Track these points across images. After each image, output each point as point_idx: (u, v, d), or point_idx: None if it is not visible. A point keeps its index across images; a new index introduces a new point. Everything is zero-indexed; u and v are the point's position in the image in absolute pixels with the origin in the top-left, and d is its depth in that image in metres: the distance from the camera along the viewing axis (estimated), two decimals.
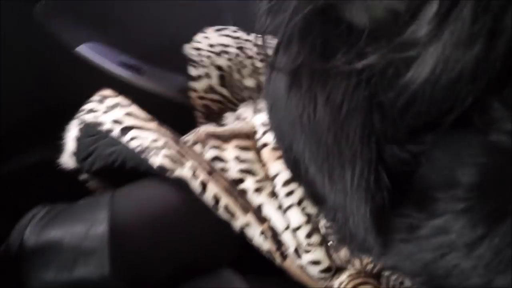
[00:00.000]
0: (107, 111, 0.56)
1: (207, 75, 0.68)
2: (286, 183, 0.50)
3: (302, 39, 0.41)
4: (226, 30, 0.72)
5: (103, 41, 0.88)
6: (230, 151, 0.53)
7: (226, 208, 0.50)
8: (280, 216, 0.50)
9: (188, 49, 0.70)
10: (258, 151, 0.54)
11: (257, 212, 0.50)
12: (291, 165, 0.45)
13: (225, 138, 0.55)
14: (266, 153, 0.53)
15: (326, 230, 0.49)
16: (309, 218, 0.49)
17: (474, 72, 0.32)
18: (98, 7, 0.92)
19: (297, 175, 0.45)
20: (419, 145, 0.38)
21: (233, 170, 0.52)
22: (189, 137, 0.58)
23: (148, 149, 0.52)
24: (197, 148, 0.55)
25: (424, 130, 0.37)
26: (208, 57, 0.69)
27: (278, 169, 0.51)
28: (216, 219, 0.50)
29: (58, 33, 0.82)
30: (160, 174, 0.51)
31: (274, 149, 0.52)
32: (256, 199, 0.51)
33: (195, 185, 0.50)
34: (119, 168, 0.54)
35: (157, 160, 0.51)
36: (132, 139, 0.53)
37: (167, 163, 0.50)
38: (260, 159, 0.53)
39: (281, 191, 0.50)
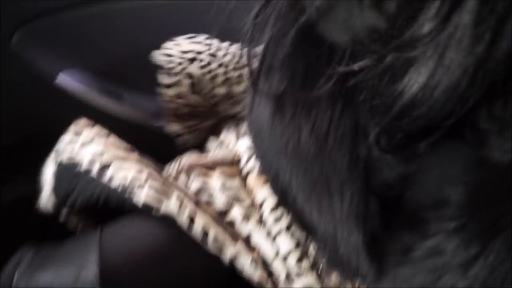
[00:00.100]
0: (84, 145, 0.55)
1: (179, 83, 0.68)
2: (274, 208, 0.50)
3: (283, 66, 0.41)
4: (197, 37, 0.72)
5: (81, 68, 0.88)
6: (215, 179, 0.53)
7: (215, 239, 0.49)
8: (270, 244, 0.49)
9: (159, 56, 0.69)
10: (243, 178, 0.53)
11: (247, 241, 0.50)
12: (279, 194, 0.45)
13: (210, 166, 0.54)
14: (251, 179, 0.53)
15: (317, 254, 0.49)
16: (299, 243, 0.49)
17: (475, 76, 0.32)
18: (74, 33, 0.92)
19: (285, 204, 0.44)
20: (410, 161, 0.38)
21: (220, 200, 0.51)
22: (173, 166, 0.57)
23: (130, 187, 0.50)
24: (182, 178, 0.54)
25: (418, 139, 0.37)
26: (180, 64, 0.68)
27: (265, 195, 0.51)
28: (205, 253, 0.49)
29: (35, 62, 0.81)
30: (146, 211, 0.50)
31: (260, 175, 0.52)
32: (244, 228, 0.50)
33: (182, 220, 0.49)
34: (103, 207, 0.53)
35: (141, 198, 0.49)
36: (112, 178, 0.51)
37: (151, 200, 0.49)
38: (245, 186, 0.53)
39: (269, 217, 0.50)
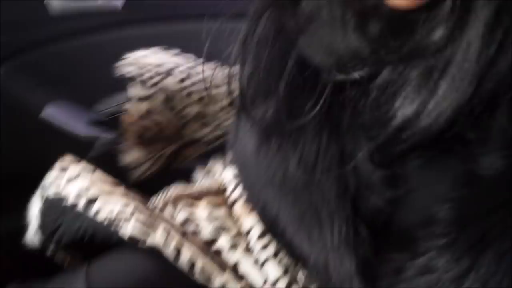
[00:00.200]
0: (70, 180, 0.55)
1: (154, 96, 0.62)
2: (261, 236, 0.50)
3: (268, 93, 0.42)
4: (171, 51, 0.69)
5: (68, 100, 0.88)
6: (201, 210, 0.53)
7: (203, 270, 0.49)
8: (258, 272, 0.49)
9: (128, 67, 0.64)
10: (229, 206, 0.54)
11: (234, 270, 0.50)
12: (267, 225, 0.45)
13: (196, 196, 0.55)
14: (238, 208, 0.53)
15: (306, 280, 0.49)
16: (287, 269, 0.49)
17: (475, 94, 0.32)
18: (60, 66, 0.92)
19: (275, 235, 0.45)
20: (397, 185, 0.39)
21: (206, 230, 0.51)
22: (159, 198, 0.57)
23: (116, 220, 0.50)
24: (168, 209, 0.54)
25: (408, 156, 0.38)
26: (157, 75, 0.63)
27: (252, 223, 0.51)
28: (193, 283, 0.49)
29: (21, 95, 0.82)
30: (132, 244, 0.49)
31: (246, 203, 0.52)
32: (232, 257, 0.50)
33: (169, 252, 0.49)
34: (89, 241, 0.52)
35: (127, 231, 0.49)
36: (98, 211, 0.51)
37: (137, 233, 0.49)
38: (232, 215, 0.53)
39: (256, 245, 0.50)
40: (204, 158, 0.62)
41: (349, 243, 0.38)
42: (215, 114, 0.65)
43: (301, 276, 0.49)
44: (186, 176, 0.61)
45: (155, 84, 0.62)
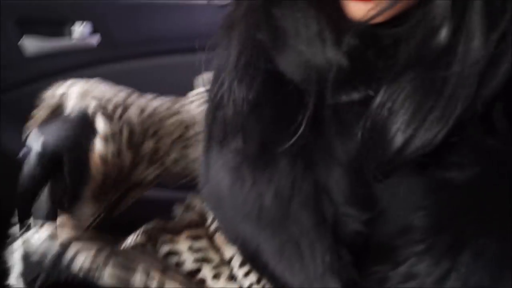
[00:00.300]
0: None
1: (120, 133, 0.53)
2: (243, 263, 0.50)
3: (239, 129, 0.42)
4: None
5: None
6: (182, 243, 0.53)
7: None
8: None
9: (82, 100, 0.53)
10: (210, 237, 0.54)
11: None
12: (249, 259, 0.45)
13: (176, 230, 0.54)
14: (218, 238, 0.53)
15: None
16: None
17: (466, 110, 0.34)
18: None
19: (257, 268, 0.44)
20: (372, 207, 0.39)
21: (189, 261, 0.52)
22: (139, 235, 0.57)
23: (92, 269, 0.47)
24: (148, 247, 0.54)
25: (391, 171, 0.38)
26: (116, 108, 0.54)
27: (233, 252, 0.51)
28: None
29: (3, 141, 0.81)
30: None
31: (225, 238, 0.52)
32: (215, 285, 0.50)
33: None
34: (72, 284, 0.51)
35: (105, 279, 0.47)
36: (72, 261, 0.48)
37: (116, 280, 0.47)
38: (214, 245, 0.53)
39: (239, 272, 0.50)
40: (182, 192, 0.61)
41: (334, 270, 0.39)
42: (167, 148, 0.58)
43: None
44: (163, 211, 0.60)
45: (120, 117, 0.53)
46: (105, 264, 0.48)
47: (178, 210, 0.63)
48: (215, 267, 0.51)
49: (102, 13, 1.02)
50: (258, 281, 0.50)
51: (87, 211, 0.52)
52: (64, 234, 0.50)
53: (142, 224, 0.58)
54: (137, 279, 0.48)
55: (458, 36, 0.33)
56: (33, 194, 0.51)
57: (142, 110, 0.56)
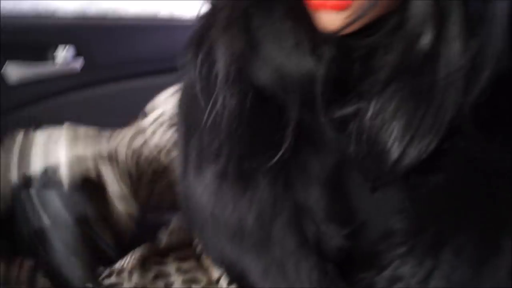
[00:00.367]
0: None
1: (129, 194, 0.54)
2: (230, 283, 0.51)
3: (222, 155, 0.41)
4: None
5: None
6: (170, 265, 0.53)
7: None
8: None
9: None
10: (198, 257, 0.54)
11: None
12: (236, 281, 0.45)
13: (163, 253, 0.55)
14: (206, 258, 0.53)
15: None
16: None
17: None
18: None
19: None
20: (353, 221, 0.40)
21: (177, 283, 0.52)
22: (126, 260, 0.56)
23: None
24: (136, 271, 0.54)
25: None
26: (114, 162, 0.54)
27: (221, 271, 0.51)
28: None
29: None
30: None
31: (212, 261, 0.51)
32: None
33: None
34: None
35: None
36: None
37: None
38: (201, 266, 0.53)
39: None
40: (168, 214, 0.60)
41: (321, 286, 0.39)
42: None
43: None
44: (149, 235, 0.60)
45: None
46: None
47: (163, 233, 0.63)
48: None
49: (85, 36, 1.02)
50: None
51: None
52: None
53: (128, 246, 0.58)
54: None
55: (440, 42, 0.33)
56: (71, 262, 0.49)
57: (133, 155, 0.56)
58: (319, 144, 0.40)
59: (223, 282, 0.51)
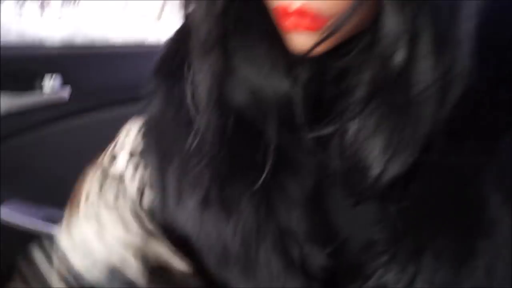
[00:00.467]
0: None
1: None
2: None
3: (202, 185, 0.41)
4: None
5: (21, 198, 0.87)
6: None
7: None
8: None
9: None
10: None
11: None
12: None
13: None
14: None
15: None
16: None
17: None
18: (9, 163, 0.92)
19: None
20: (334, 240, 0.40)
21: None
22: None
23: None
24: None
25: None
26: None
27: None
28: None
29: None
30: None
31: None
32: None
33: None
34: None
35: None
36: None
37: None
38: None
39: None
40: None
41: None
42: None
43: None
44: None
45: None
46: None
47: None
48: None
49: (72, 64, 1.03)
50: None
51: None
52: None
53: None
54: None
55: (411, 59, 0.34)
56: None
57: None
58: (297, 166, 0.41)
59: None
